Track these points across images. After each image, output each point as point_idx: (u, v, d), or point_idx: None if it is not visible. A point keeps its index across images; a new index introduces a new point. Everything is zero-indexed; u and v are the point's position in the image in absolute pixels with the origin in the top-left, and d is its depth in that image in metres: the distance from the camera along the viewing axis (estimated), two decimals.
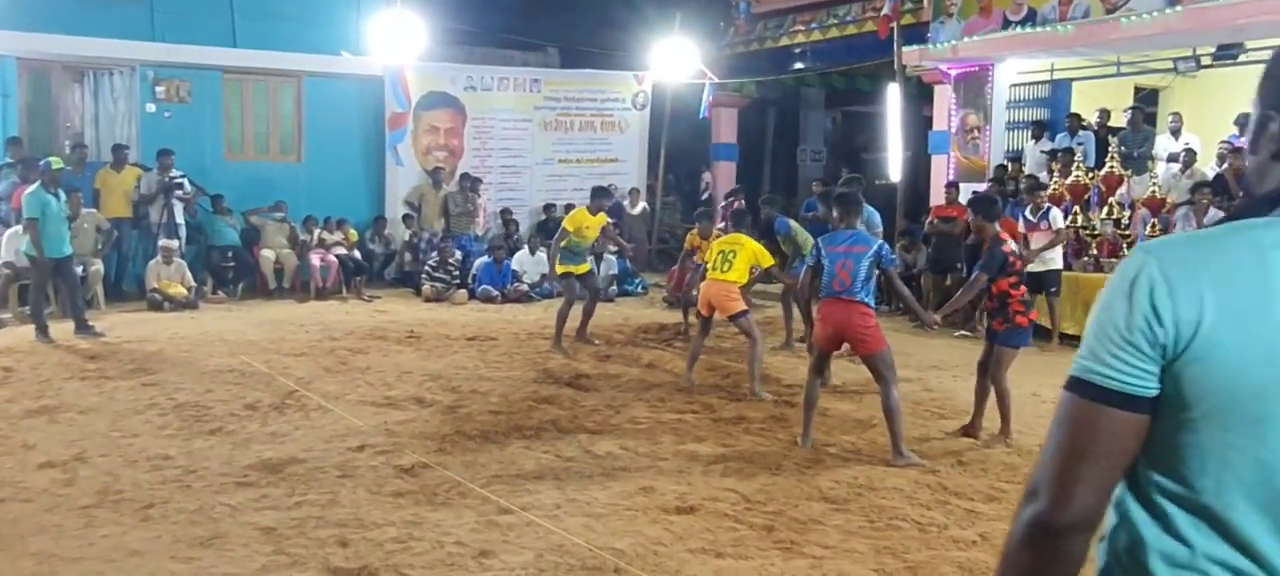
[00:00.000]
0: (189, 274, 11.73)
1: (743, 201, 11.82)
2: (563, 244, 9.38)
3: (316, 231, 12.93)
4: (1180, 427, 1.20)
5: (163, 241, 11.65)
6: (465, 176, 14.34)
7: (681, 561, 4.18)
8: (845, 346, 6.40)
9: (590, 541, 4.38)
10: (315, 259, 12.63)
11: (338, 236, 13.12)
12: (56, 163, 9.78)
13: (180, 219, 12.13)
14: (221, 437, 6.12)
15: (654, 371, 8.46)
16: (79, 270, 10.23)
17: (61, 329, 9.44)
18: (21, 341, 9.19)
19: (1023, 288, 6.59)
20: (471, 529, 4.54)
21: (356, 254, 13.09)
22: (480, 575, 4.00)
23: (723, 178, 16.40)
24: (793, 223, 10.55)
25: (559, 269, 9.42)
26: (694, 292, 11.23)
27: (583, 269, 9.59)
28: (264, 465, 5.51)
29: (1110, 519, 1.30)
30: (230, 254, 12.49)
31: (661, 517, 4.75)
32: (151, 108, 12.73)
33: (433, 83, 14.34)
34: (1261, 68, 1.32)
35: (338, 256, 12.80)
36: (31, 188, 9.46)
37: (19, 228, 10.63)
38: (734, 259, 7.83)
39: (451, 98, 14.46)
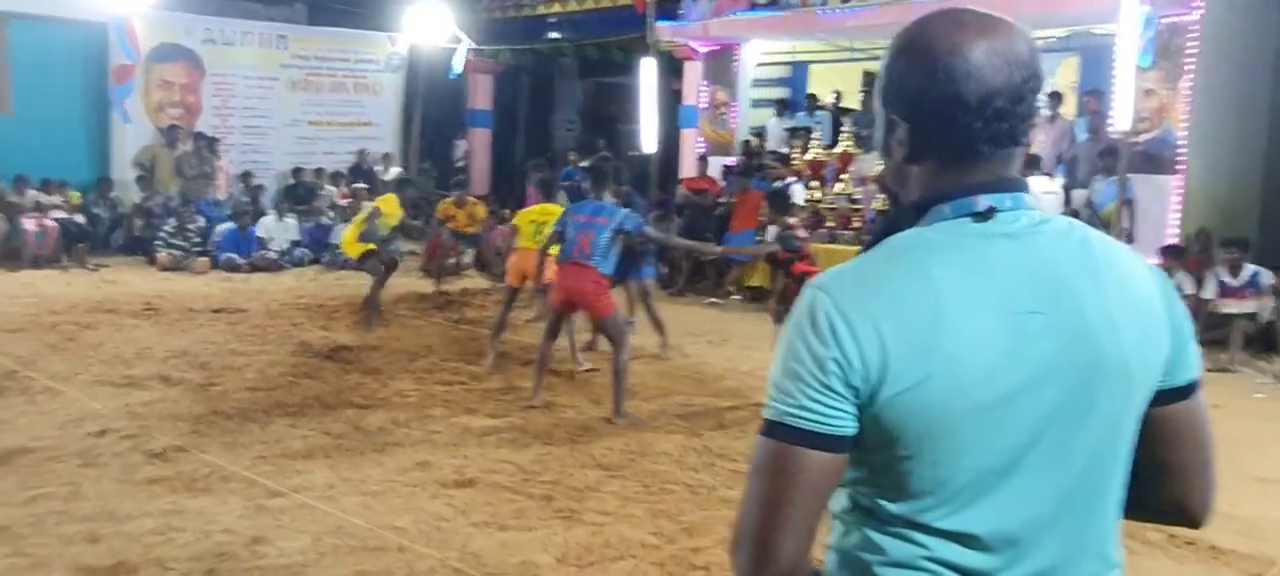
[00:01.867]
0: None
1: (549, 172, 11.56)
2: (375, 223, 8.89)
3: (30, 193, 11.65)
4: (894, 460, 1.18)
5: None
6: (200, 136, 13.40)
7: (466, 536, 4.20)
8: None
9: (370, 520, 4.31)
10: (29, 223, 11.39)
11: (57, 199, 11.90)
12: None
13: None
14: None
15: (416, 342, 8.31)
16: None
17: None
18: None
19: (816, 268, 7.06)
20: (239, 515, 4.33)
21: (78, 218, 11.92)
22: (254, 563, 3.83)
23: (479, 144, 16.26)
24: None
25: (361, 248, 8.90)
26: (451, 261, 11.16)
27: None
28: None
29: (835, 529, 1.30)
30: None
31: (441, 492, 4.73)
32: None
33: (165, 33, 13.27)
34: None
35: (57, 220, 11.60)
36: None
37: None
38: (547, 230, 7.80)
39: (187, 50, 13.44)
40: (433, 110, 15.68)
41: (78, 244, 11.75)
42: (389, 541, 4.10)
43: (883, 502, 1.21)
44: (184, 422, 5.70)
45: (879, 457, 1.20)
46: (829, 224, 11.00)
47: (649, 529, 4.43)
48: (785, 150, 11.92)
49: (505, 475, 5.05)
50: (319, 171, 14.39)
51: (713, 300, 11.01)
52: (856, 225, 10.69)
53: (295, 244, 12.65)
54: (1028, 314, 1.16)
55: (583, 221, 6.26)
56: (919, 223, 1.21)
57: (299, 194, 13.86)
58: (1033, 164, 9.44)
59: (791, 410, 1.17)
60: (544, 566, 3.96)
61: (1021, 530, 1.19)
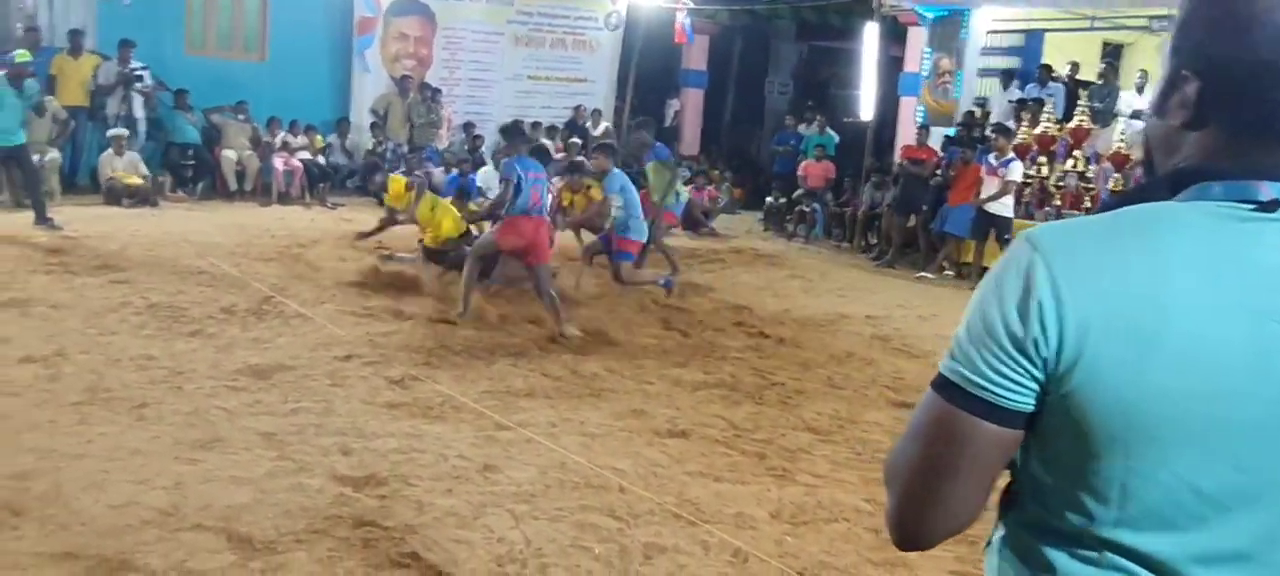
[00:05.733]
0: (143, 165, 11.43)
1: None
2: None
3: (280, 134, 12.66)
4: (1078, 458, 1.05)
5: (113, 131, 11.33)
6: (425, 86, 14.11)
7: (682, 483, 4.30)
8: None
9: (590, 460, 4.48)
10: (278, 162, 12.38)
11: (303, 140, 12.86)
12: (21, 56, 9.43)
13: (139, 113, 11.79)
14: (203, 340, 6.07)
15: (624, 296, 8.49)
16: (35, 159, 9.94)
17: (19, 220, 9.20)
18: None
19: None
20: (471, 443, 4.60)
21: (321, 160, 12.86)
22: (489, 488, 4.07)
23: (691, 105, 16.35)
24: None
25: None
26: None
27: None
28: (252, 370, 5.48)
29: (990, 562, 1.18)
30: (190, 152, 12.19)
31: (656, 440, 4.86)
32: None
33: None
34: None
35: (303, 161, 12.56)
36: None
37: None
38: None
39: (422, 5, 14.15)
40: (647, 69, 15.88)
41: (319, 183, 12.68)
42: (609, 481, 4.25)
43: (1056, 510, 1.09)
44: (417, 354, 6.08)
45: (1058, 449, 1.07)
46: (1056, 202, 10.44)
47: (862, 495, 4.40)
48: (1010, 123, 11.36)
49: (717, 430, 5.12)
50: (536, 125, 14.87)
51: (923, 275, 10.70)
52: (1087, 205, 10.10)
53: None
54: None
55: (532, 178, 6.93)
56: (1173, 198, 1.05)
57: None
58: None
59: (968, 374, 1.06)
60: (759, 519, 4.00)
61: (1221, 564, 1.03)
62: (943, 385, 1.09)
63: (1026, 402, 1.05)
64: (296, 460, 4.21)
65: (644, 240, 8.33)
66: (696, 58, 16.67)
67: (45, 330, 6.00)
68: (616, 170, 8.23)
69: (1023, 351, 1.03)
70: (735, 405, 5.58)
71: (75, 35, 11.70)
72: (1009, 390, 1.04)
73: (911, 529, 1.12)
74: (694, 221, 12.38)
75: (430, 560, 3.41)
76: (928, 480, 1.09)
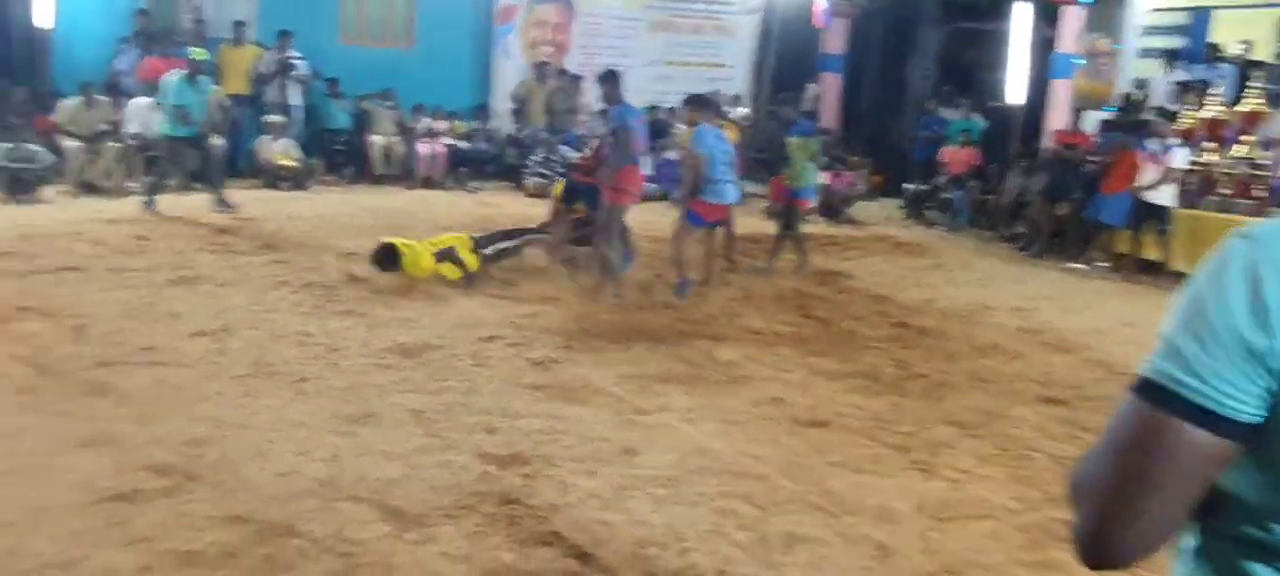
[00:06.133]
0: (297, 150, 11.98)
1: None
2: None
3: (424, 120, 13.07)
4: None
5: (271, 117, 11.92)
6: (564, 72, 14.29)
7: (822, 473, 4.24)
8: None
9: (729, 446, 4.47)
10: (422, 147, 12.79)
11: (445, 126, 13.25)
12: (198, 54, 10.02)
13: (295, 100, 12.36)
14: (355, 319, 6.32)
15: (762, 282, 8.43)
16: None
17: (187, 203, 9.81)
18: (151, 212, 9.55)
19: None
20: (612, 425, 4.65)
21: (463, 144, 13.22)
22: (630, 471, 4.11)
23: (829, 89, 16.05)
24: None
25: None
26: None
27: None
28: (400, 348, 5.69)
29: (1183, 569, 1.11)
30: (342, 138, 12.73)
31: (795, 429, 4.81)
32: None
33: None
34: None
35: (445, 145, 12.94)
36: (175, 75, 9.85)
37: (146, 100, 10.99)
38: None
39: None
40: (785, 53, 15.68)
41: (460, 168, 13.04)
42: (749, 468, 4.23)
43: (1267, 526, 1.00)
44: (558, 336, 6.19)
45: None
46: (1223, 190, 9.80)
47: (1009, 493, 4.25)
48: (1173, 106, 10.73)
49: (857, 420, 5.03)
50: (672, 110, 14.89)
51: (1074, 265, 10.23)
52: (1259, 193, 9.45)
53: (647, 178, 13.21)
54: None
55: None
56: None
57: (653, 131, 14.43)
58: None
59: (1186, 378, 0.97)
60: (902, 514, 3.92)
61: None
62: (1149, 389, 1.00)
63: (1256, 413, 0.97)
64: (444, 437, 4.35)
65: (718, 204, 7.63)
66: (835, 42, 16.32)
67: (213, 306, 6.38)
68: (707, 126, 7.69)
69: (1257, 359, 0.95)
70: (876, 396, 5.47)
71: (239, 26, 12.34)
72: (1236, 399, 0.96)
73: (1105, 548, 1.03)
74: (831, 209, 12.18)
75: (573, 540, 3.47)
76: (1126, 495, 1.00)
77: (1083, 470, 1.07)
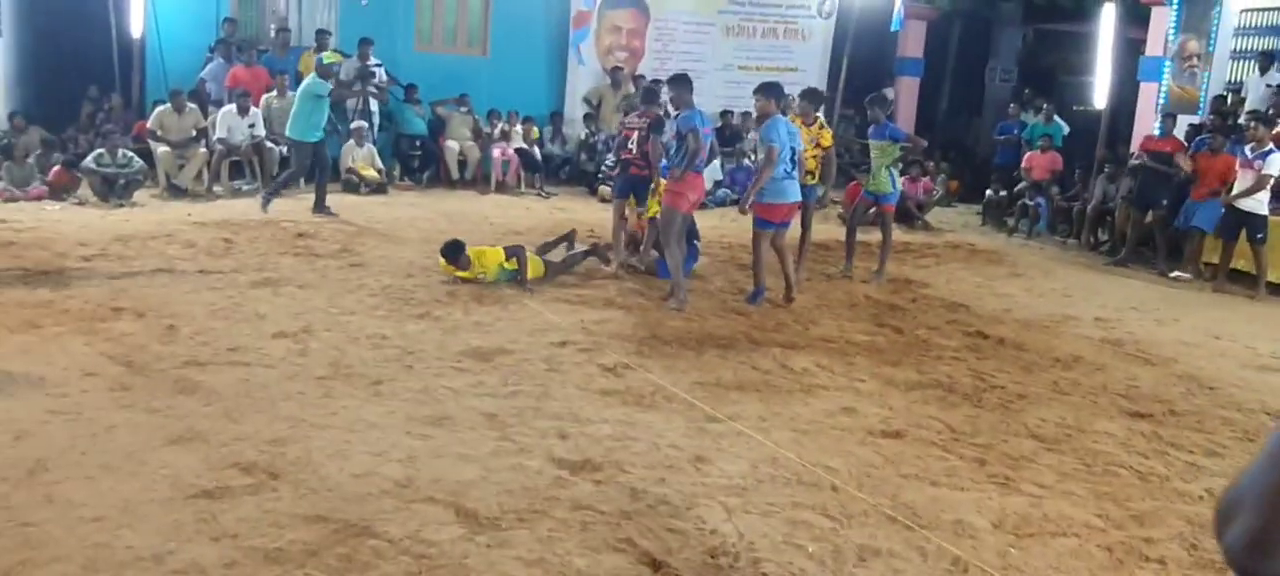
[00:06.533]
0: (378, 158, 12.24)
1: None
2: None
3: (499, 125, 13.22)
4: None
5: (355, 123, 12.18)
6: (638, 77, 14.31)
7: (897, 485, 4.18)
8: None
9: (801, 456, 4.43)
10: (496, 152, 12.94)
11: (519, 131, 13.38)
12: (329, 58, 10.28)
13: (373, 106, 12.61)
14: (430, 322, 6.42)
15: (836, 289, 8.34)
16: (284, 150, 10.86)
17: (278, 204, 10.10)
18: (235, 214, 9.82)
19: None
20: (683, 433, 4.64)
21: (536, 151, 13.34)
22: (701, 479, 4.10)
23: (905, 93, 15.84)
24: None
25: None
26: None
27: None
28: (474, 352, 5.76)
29: None
30: (418, 143, 12.95)
31: (868, 439, 4.75)
32: None
33: None
34: None
35: (518, 151, 13.07)
36: (309, 80, 10.21)
37: (231, 107, 11.32)
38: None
39: None
40: (860, 57, 15.50)
41: (534, 173, 13.16)
42: (822, 479, 4.19)
43: None
44: (629, 343, 6.20)
45: None
46: None
47: (1092, 509, 4.14)
48: (1269, 110, 10.34)
49: (933, 431, 4.95)
50: (745, 115, 14.82)
51: (1178, 274, 9.90)
52: None
53: (718, 184, 13.19)
54: None
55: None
56: None
57: (725, 136, 14.39)
58: None
59: None
60: (980, 529, 3.84)
61: None
62: None
63: None
64: (517, 441, 4.39)
65: (780, 203, 7.34)
66: (912, 45, 16.13)
67: (294, 308, 6.54)
68: (780, 117, 7.38)
69: None
70: (952, 407, 5.37)
71: (321, 35, 12.62)
72: None
73: (1266, 557, 1.00)
74: (907, 214, 12.00)
75: (645, 547, 3.47)
76: None
77: (1241, 482, 1.05)
